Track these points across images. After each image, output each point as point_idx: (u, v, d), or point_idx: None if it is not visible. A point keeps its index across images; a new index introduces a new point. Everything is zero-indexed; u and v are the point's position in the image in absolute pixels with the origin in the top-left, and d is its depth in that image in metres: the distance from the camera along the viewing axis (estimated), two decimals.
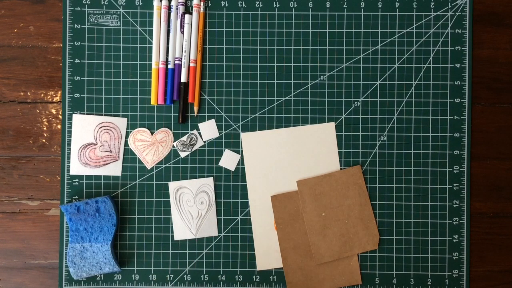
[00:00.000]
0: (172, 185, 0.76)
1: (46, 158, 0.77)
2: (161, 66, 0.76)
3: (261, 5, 0.77)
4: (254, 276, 0.76)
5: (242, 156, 0.76)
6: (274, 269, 0.76)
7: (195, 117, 0.76)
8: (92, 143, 0.76)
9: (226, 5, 0.77)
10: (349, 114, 0.76)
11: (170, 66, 0.76)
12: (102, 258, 0.73)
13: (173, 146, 0.76)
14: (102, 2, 0.76)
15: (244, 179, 0.76)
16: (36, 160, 0.77)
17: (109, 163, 0.76)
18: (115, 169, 0.76)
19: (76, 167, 0.76)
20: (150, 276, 0.76)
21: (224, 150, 0.76)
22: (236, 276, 0.76)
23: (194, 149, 0.76)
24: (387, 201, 0.76)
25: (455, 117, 0.76)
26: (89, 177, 0.76)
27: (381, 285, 0.76)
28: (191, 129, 0.77)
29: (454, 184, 0.76)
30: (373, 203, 0.76)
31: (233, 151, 0.76)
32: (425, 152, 0.76)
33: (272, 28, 0.76)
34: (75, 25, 0.76)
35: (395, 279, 0.76)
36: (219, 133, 0.76)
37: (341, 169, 0.76)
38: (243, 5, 0.77)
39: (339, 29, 0.76)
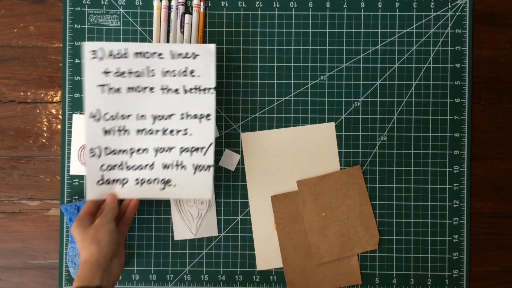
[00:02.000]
0: None
1: (46, 158, 0.77)
2: None
3: (261, 5, 0.77)
4: (254, 276, 0.76)
5: (242, 156, 0.76)
6: (274, 269, 0.76)
7: None
8: None
9: (226, 5, 0.77)
10: (349, 114, 0.76)
11: None
12: None
13: None
14: (102, 2, 0.76)
15: (244, 179, 0.76)
16: (36, 160, 0.77)
17: None
18: None
19: (76, 167, 0.76)
20: (150, 276, 0.76)
21: (224, 150, 0.76)
22: (236, 276, 0.76)
23: None
24: (387, 201, 0.76)
25: (455, 117, 0.76)
26: None
27: (381, 285, 0.76)
28: None
29: (454, 184, 0.76)
30: (373, 203, 0.76)
31: (233, 151, 0.76)
32: (425, 152, 0.76)
33: (272, 28, 0.76)
34: (75, 25, 0.76)
35: (395, 279, 0.76)
36: (219, 133, 0.76)
37: (341, 169, 0.76)
38: (243, 5, 0.77)
39: (339, 29, 0.76)
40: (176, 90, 0.70)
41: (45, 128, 0.77)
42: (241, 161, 0.76)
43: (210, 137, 0.71)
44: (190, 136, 0.71)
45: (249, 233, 0.76)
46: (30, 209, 0.77)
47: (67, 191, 0.76)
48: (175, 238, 0.76)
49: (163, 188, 0.71)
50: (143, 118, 0.71)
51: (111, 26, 0.76)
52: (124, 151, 0.71)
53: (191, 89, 0.70)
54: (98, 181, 0.70)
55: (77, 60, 0.76)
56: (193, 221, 0.76)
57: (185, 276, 0.76)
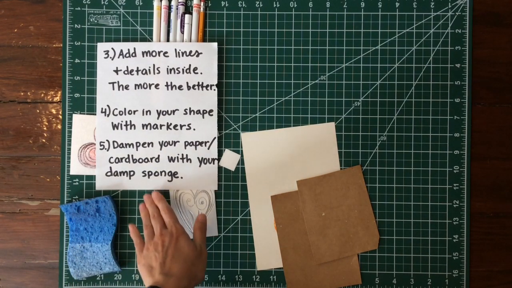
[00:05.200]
0: None
1: (46, 158, 0.77)
2: None
3: (261, 5, 0.77)
4: (254, 276, 0.76)
5: (242, 156, 0.76)
6: (274, 269, 0.76)
7: None
8: (92, 143, 0.76)
9: (226, 5, 0.77)
10: (349, 114, 0.76)
11: None
12: (102, 258, 0.73)
13: None
14: (102, 2, 0.76)
15: (244, 179, 0.76)
16: (36, 160, 0.77)
17: None
18: None
19: (76, 167, 0.76)
20: None
21: (224, 150, 0.76)
22: (236, 276, 0.76)
23: None
24: (387, 201, 0.76)
25: (455, 117, 0.76)
26: (89, 177, 0.76)
27: (381, 285, 0.76)
28: None
29: (454, 184, 0.76)
30: (373, 203, 0.76)
31: (233, 151, 0.76)
32: (425, 152, 0.76)
33: (272, 28, 0.76)
34: (75, 25, 0.76)
35: (395, 279, 0.76)
36: (219, 133, 0.76)
37: (341, 169, 0.76)
38: (243, 5, 0.77)
39: (339, 29, 0.76)
40: (180, 86, 0.74)
41: (45, 128, 0.77)
42: (241, 161, 0.76)
43: (213, 132, 0.74)
44: (193, 131, 0.74)
45: (249, 233, 0.76)
46: (30, 209, 0.77)
47: (67, 191, 0.76)
48: None
49: (171, 180, 0.74)
50: (148, 113, 0.74)
51: (111, 26, 0.76)
52: (130, 144, 0.74)
53: (194, 85, 0.74)
54: (107, 173, 0.74)
55: (77, 60, 0.76)
56: (193, 221, 0.76)
57: None
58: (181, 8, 0.76)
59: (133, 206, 0.76)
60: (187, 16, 0.75)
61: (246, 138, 0.76)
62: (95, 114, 0.76)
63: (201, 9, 0.76)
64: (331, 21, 0.76)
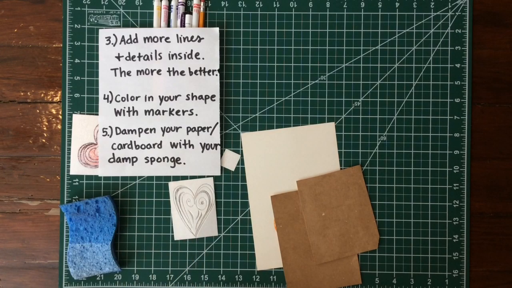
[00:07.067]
0: (172, 185, 0.76)
1: (46, 158, 0.77)
2: None
3: (261, 5, 0.77)
4: (254, 276, 0.76)
5: (242, 156, 0.76)
6: (274, 269, 0.76)
7: None
8: (92, 143, 0.76)
9: (226, 5, 0.77)
10: (349, 114, 0.76)
11: None
12: (102, 258, 0.74)
13: None
14: (102, 2, 0.76)
15: (244, 179, 0.76)
16: (36, 160, 0.77)
17: None
18: None
19: (76, 167, 0.76)
20: (150, 276, 0.76)
21: (224, 150, 0.76)
22: (236, 276, 0.76)
23: None
24: (387, 201, 0.76)
25: (455, 117, 0.76)
26: (89, 177, 0.76)
27: (381, 285, 0.76)
28: None
29: (454, 184, 0.76)
30: (373, 203, 0.76)
31: (233, 151, 0.76)
32: (425, 152, 0.76)
33: (272, 28, 0.76)
34: (75, 25, 0.76)
35: (395, 279, 0.76)
36: (219, 133, 0.76)
37: (341, 169, 0.76)
38: (243, 5, 0.77)
39: (339, 29, 0.76)
40: (182, 72, 0.74)
41: (45, 128, 0.77)
42: (241, 161, 0.76)
43: (215, 117, 0.75)
44: (196, 116, 0.74)
45: (249, 233, 0.76)
46: (30, 209, 0.77)
47: (67, 191, 0.76)
48: (175, 238, 0.76)
49: (174, 166, 0.74)
50: (151, 99, 0.74)
51: (111, 26, 0.76)
52: (133, 130, 0.74)
53: (196, 71, 0.74)
54: (110, 159, 0.75)
55: (77, 60, 0.76)
56: (193, 221, 0.76)
57: (185, 276, 0.76)
58: (181, 8, 0.76)
59: (133, 206, 0.76)
60: (187, 16, 0.75)
61: (246, 138, 0.76)
62: (95, 114, 0.76)
63: (201, 9, 0.76)
64: (331, 21, 0.76)
